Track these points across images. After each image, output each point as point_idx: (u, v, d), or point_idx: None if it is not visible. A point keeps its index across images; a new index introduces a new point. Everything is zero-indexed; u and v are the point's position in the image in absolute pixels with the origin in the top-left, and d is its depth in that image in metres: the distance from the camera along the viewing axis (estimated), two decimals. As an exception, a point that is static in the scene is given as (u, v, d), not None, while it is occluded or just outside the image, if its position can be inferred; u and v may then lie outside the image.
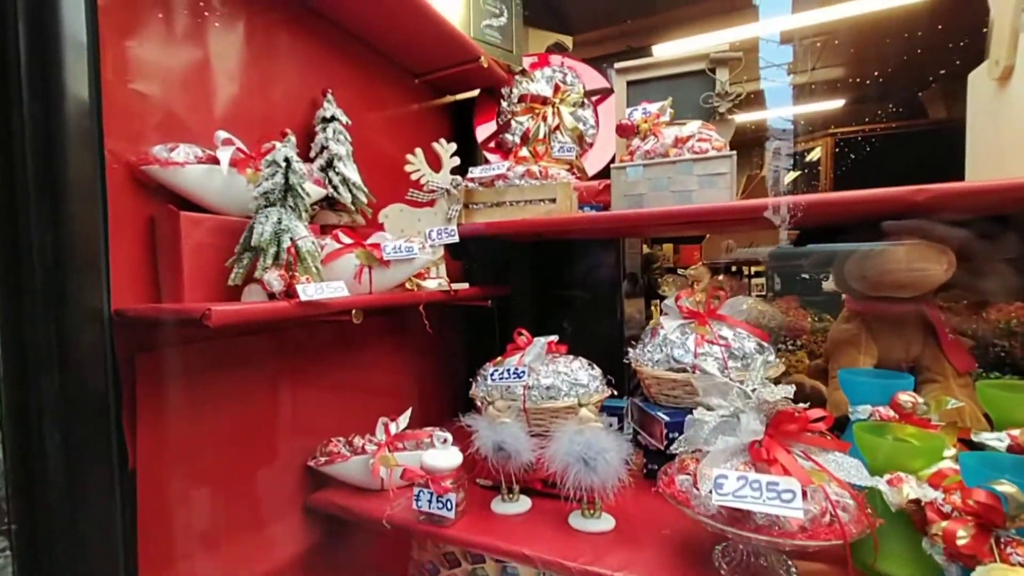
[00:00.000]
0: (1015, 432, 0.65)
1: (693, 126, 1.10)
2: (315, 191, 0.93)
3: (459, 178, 1.16)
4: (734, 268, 2.11)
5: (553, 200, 1.16)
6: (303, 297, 0.73)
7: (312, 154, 1.02)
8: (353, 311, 0.86)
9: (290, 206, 0.79)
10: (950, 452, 0.66)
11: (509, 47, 1.42)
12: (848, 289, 1.00)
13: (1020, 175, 0.80)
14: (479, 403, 0.99)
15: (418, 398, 1.35)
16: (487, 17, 1.39)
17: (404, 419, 1.03)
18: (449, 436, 0.91)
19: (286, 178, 0.78)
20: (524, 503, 0.95)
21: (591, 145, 1.51)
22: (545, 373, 0.98)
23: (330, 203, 1.02)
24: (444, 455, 0.88)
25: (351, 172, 1.02)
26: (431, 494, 0.86)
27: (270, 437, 0.95)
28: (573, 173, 1.46)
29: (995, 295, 1.07)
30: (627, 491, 0.83)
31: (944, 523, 0.56)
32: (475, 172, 1.23)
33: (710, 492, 0.64)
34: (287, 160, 0.78)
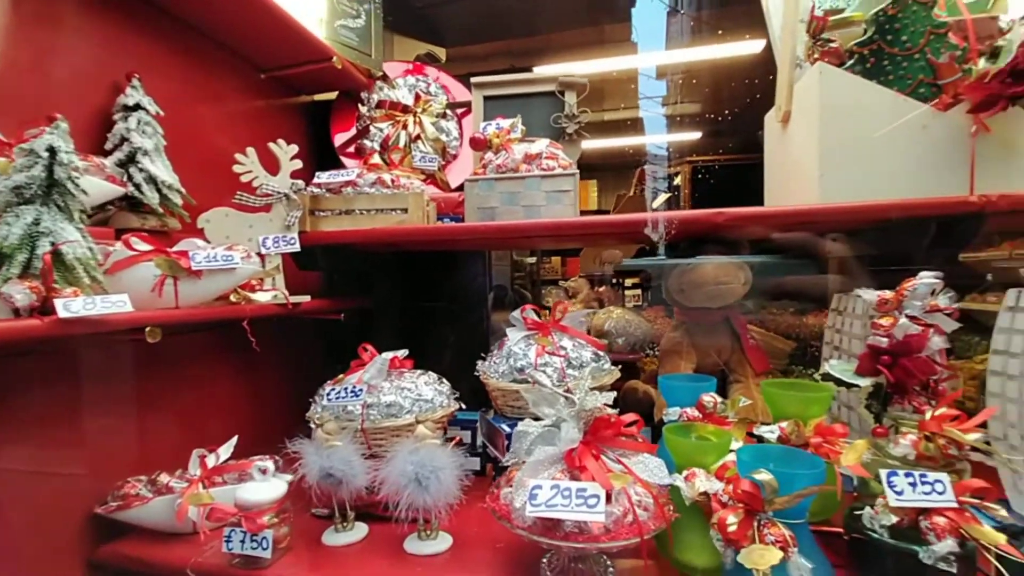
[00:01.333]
0: (783, 424, 0.75)
1: (542, 144, 1.14)
2: (105, 189, 0.80)
3: (300, 182, 1.08)
4: (614, 280, 2.24)
5: (405, 210, 1.12)
6: (63, 314, 0.61)
7: (109, 146, 0.88)
8: (147, 329, 0.74)
9: (56, 204, 0.66)
10: (737, 445, 0.74)
11: (367, 50, 1.37)
12: (673, 300, 1.10)
13: (798, 202, 0.94)
14: (312, 426, 0.92)
15: (257, 424, 1.22)
16: (342, 17, 1.33)
17: (226, 449, 0.91)
18: (270, 465, 0.82)
19: (49, 171, 0.65)
20: (360, 531, 0.89)
21: (455, 157, 1.51)
22: (388, 390, 0.93)
23: (132, 204, 0.88)
24: (262, 488, 0.79)
25: (160, 169, 0.89)
26: (243, 533, 0.76)
27: (39, 483, 0.78)
28: (437, 184, 1.45)
29: (816, 302, 1.26)
30: (471, 507, 0.81)
31: (720, 512, 0.62)
32: (322, 177, 1.15)
33: (525, 503, 0.64)
34: (51, 150, 0.65)
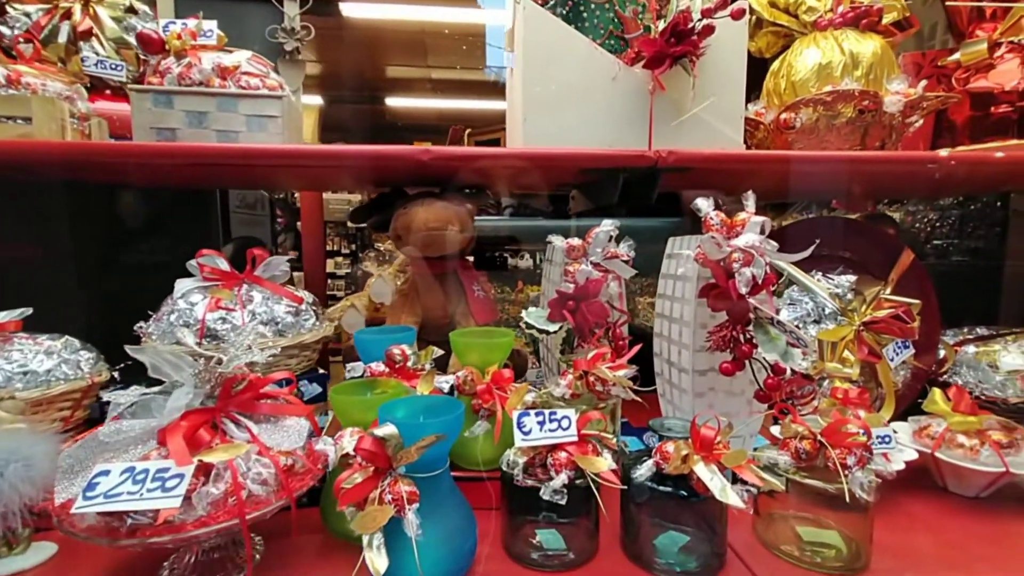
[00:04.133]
0: (459, 373, 0.71)
1: (240, 55, 0.93)
2: None
3: None
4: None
5: (28, 120, 0.82)
6: None
7: None
8: None
9: None
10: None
11: None
12: (400, 249, 1.01)
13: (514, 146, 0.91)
14: None
15: None
16: None
17: None
18: None
19: None
20: (43, 550, 0.63)
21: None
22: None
23: None
24: None
25: None
26: None
27: None
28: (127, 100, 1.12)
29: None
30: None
31: (355, 475, 0.54)
32: None
33: (85, 497, 0.48)
34: None
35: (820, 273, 1.00)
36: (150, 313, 0.84)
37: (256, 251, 0.88)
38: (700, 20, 0.78)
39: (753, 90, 1.08)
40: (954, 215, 1.57)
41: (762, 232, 0.70)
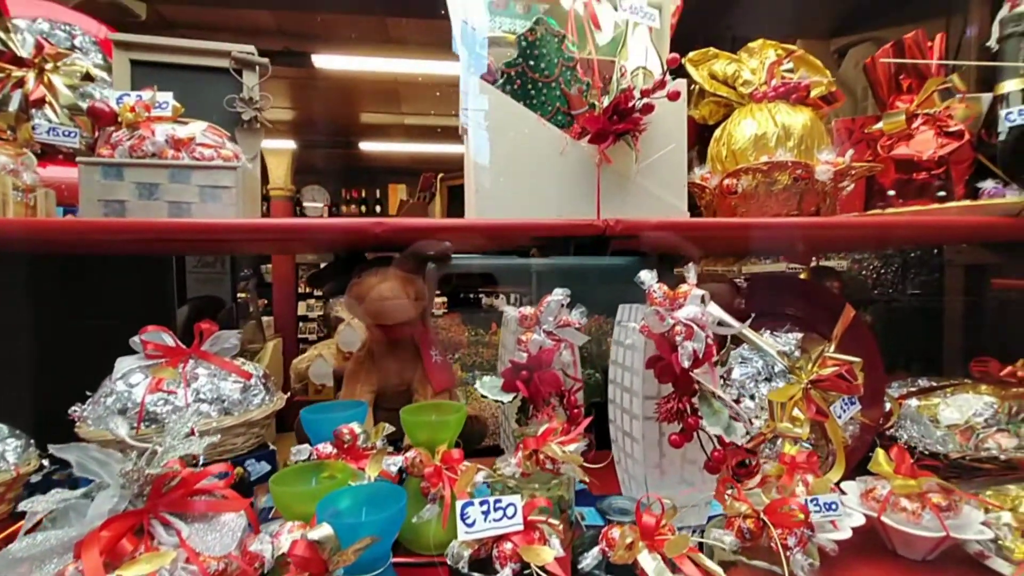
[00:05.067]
0: (409, 454, 0.70)
1: (196, 127, 0.93)
2: None
3: None
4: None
5: (-34, 196, 0.80)
6: None
7: None
8: None
9: None
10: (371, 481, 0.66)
11: (-57, -31, 0.97)
12: (357, 315, 1.01)
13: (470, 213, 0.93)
14: None
15: None
16: None
17: None
18: None
19: None
20: None
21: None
22: None
23: None
24: None
25: None
26: None
27: None
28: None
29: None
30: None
31: (287, 580, 0.51)
32: None
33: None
34: None
35: (768, 331, 1.04)
36: (88, 394, 0.81)
37: (204, 325, 0.86)
38: (640, 99, 0.83)
39: (702, 154, 1.15)
40: (897, 262, 1.66)
41: (703, 302, 0.73)
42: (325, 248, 1.02)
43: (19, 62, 1.04)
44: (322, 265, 1.15)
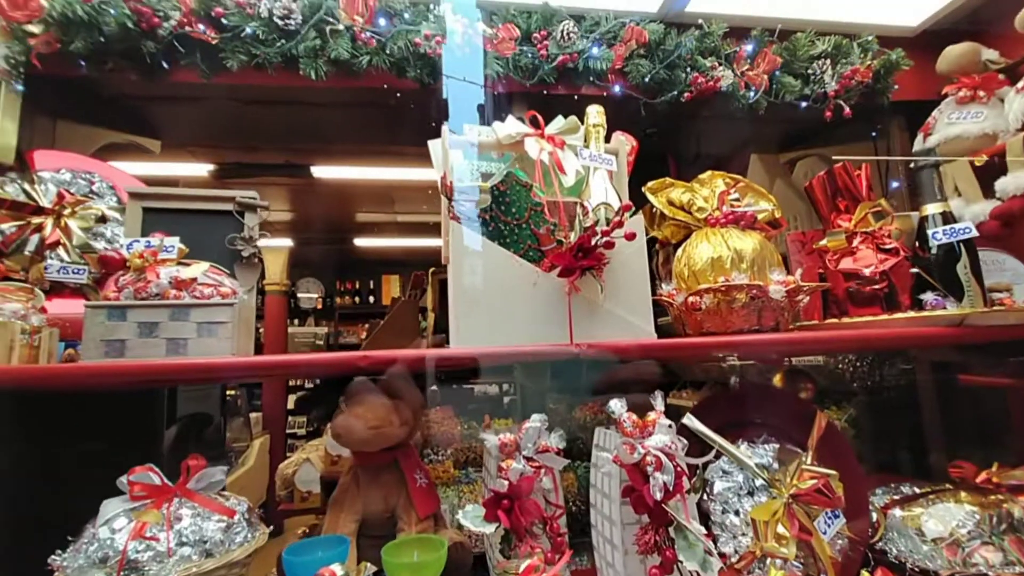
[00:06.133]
0: None
1: (198, 268, 1.01)
2: None
3: None
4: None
5: (-26, 343, 0.85)
6: None
7: None
8: None
9: None
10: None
11: (-15, 137, 1.11)
12: (343, 444, 1.02)
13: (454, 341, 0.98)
14: None
15: None
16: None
17: None
18: None
19: None
20: None
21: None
22: None
23: None
24: None
25: None
26: None
27: None
28: (87, 299, 1.18)
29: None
30: None
31: None
32: None
33: None
34: None
35: (745, 443, 1.06)
36: (70, 539, 0.80)
37: (192, 462, 0.87)
38: (600, 238, 0.93)
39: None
40: (870, 355, 1.72)
41: (671, 428, 0.77)
42: (319, 372, 1.06)
43: (40, 211, 1.15)
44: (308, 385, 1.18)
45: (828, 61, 1.35)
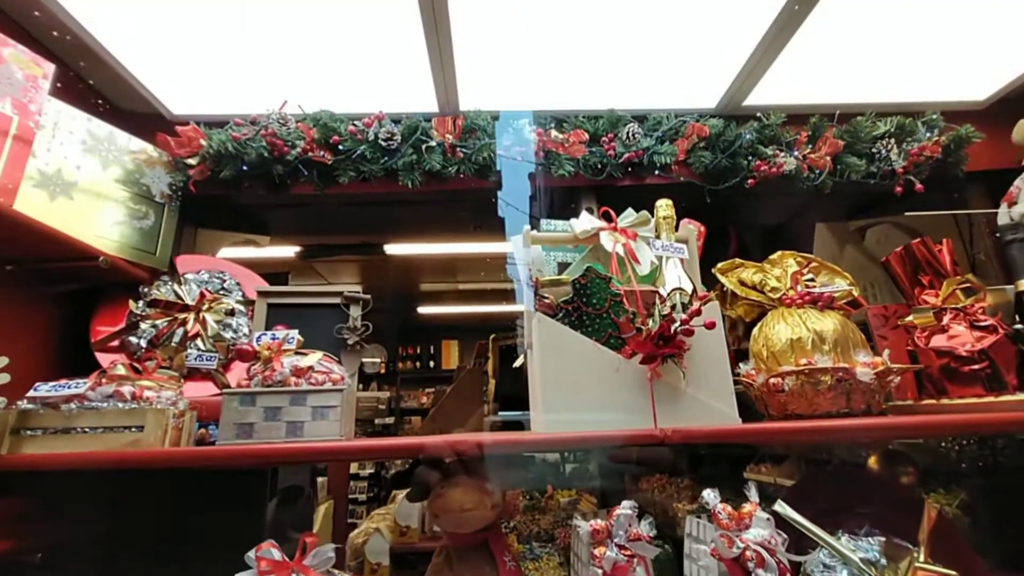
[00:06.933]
0: None
1: (314, 357, 1.15)
2: None
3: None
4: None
5: (141, 427, 1.01)
6: None
7: None
8: None
9: None
10: None
11: (151, 249, 1.35)
12: (439, 525, 1.08)
13: (537, 425, 1.04)
14: None
15: None
16: (130, 218, 1.32)
17: None
18: None
19: None
20: None
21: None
22: None
23: None
24: None
25: None
26: None
27: None
28: (215, 384, 1.35)
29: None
30: None
31: None
32: (41, 389, 1.00)
33: None
34: None
35: (846, 534, 1.01)
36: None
37: (309, 538, 0.96)
38: (679, 326, 0.98)
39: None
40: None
41: (770, 521, 0.77)
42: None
43: (186, 308, 1.36)
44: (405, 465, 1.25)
45: (892, 140, 1.38)
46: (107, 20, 1.22)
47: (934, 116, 1.42)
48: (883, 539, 0.99)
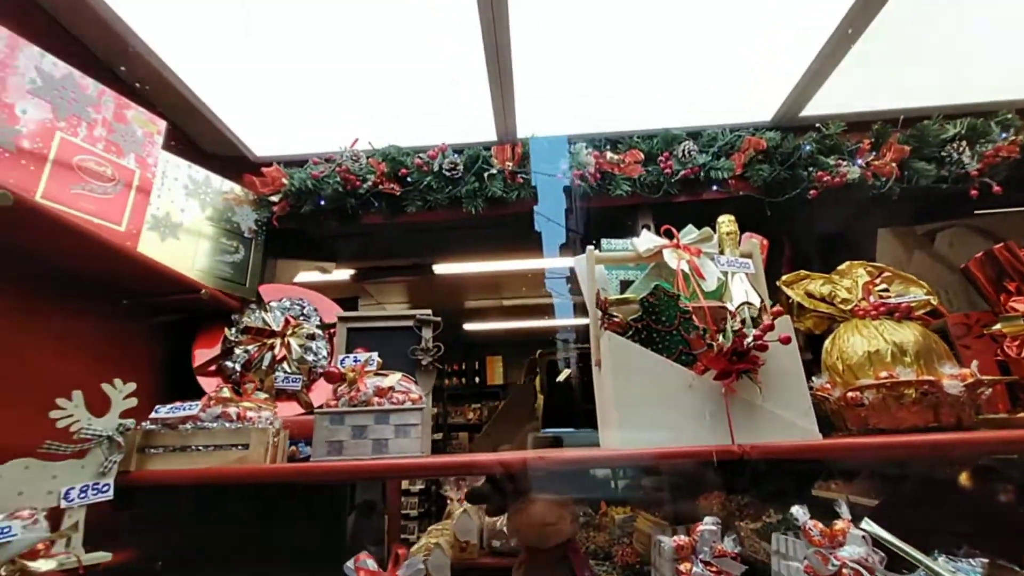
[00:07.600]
0: None
1: (394, 378, 1.23)
2: None
3: (128, 422, 1.04)
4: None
5: (246, 446, 1.10)
6: None
7: None
8: None
9: None
10: None
11: (241, 280, 1.48)
12: (519, 539, 1.11)
13: (611, 441, 1.07)
14: None
15: None
16: (222, 253, 1.45)
17: None
18: None
19: None
20: None
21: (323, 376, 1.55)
22: None
23: None
24: None
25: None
26: None
27: None
28: (300, 403, 1.45)
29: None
30: None
31: None
32: (160, 412, 1.12)
33: None
34: None
35: (943, 555, 0.98)
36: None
37: (400, 549, 1.02)
38: (753, 341, 0.99)
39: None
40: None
41: (865, 539, 0.76)
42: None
43: (273, 334, 1.47)
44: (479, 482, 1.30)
45: (964, 143, 1.34)
46: (200, 73, 1.37)
47: (1008, 116, 1.37)
48: (985, 560, 0.95)
